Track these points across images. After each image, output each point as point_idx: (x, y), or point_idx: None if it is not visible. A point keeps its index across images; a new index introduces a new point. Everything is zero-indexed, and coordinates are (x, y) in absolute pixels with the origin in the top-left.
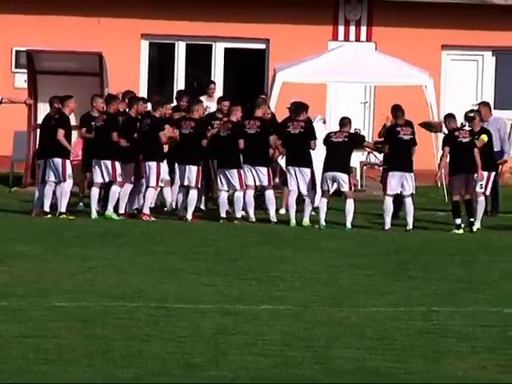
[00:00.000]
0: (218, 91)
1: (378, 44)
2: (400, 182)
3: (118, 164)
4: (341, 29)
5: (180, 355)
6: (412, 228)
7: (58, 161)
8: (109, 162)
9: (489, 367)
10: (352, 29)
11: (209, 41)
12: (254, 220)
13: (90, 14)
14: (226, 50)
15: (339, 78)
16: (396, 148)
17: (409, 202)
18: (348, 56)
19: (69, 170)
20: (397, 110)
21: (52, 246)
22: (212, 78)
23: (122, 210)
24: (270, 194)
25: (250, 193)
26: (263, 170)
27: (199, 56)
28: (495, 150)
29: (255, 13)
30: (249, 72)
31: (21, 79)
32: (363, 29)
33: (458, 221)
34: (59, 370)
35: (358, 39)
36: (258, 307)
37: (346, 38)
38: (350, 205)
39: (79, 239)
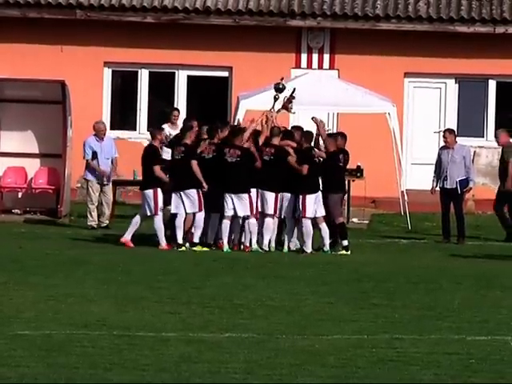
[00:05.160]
0: (182, 119)
1: (341, 71)
2: (316, 205)
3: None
4: (303, 56)
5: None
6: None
7: (193, 191)
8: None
9: None
10: (315, 56)
11: (172, 68)
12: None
13: (53, 42)
14: (189, 78)
15: (302, 105)
16: (313, 171)
17: (324, 225)
18: (311, 84)
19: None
20: (308, 134)
21: (15, 274)
22: (175, 106)
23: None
24: (268, 222)
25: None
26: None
27: (162, 84)
28: (461, 177)
29: (218, 41)
30: (212, 99)
31: None
32: (326, 56)
33: (345, 242)
34: None
35: (320, 67)
36: (222, 335)
37: (309, 66)
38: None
39: (42, 268)
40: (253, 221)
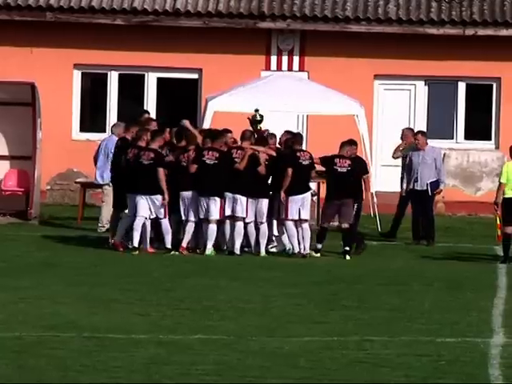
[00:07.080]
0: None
1: (311, 73)
2: (298, 207)
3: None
4: (273, 58)
5: None
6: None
7: (159, 197)
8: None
9: None
10: (285, 58)
11: (141, 70)
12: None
13: (23, 44)
14: (159, 80)
15: (271, 107)
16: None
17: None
18: (280, 85)
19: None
20: (298, 136)
21: None
22: (145, 108)
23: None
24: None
25: (240, 224)
26: (265, 202)
27: (132, 86)
28: (432, 179)
29: (188, 42)
30: (182, 102)
31: None
32: (296, 58)
33: (319, 245)
34: None
35: (290, 69)
36: (192, 337)
37: (279, 68)
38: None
39: (11, 270)
40: (213, 226)
